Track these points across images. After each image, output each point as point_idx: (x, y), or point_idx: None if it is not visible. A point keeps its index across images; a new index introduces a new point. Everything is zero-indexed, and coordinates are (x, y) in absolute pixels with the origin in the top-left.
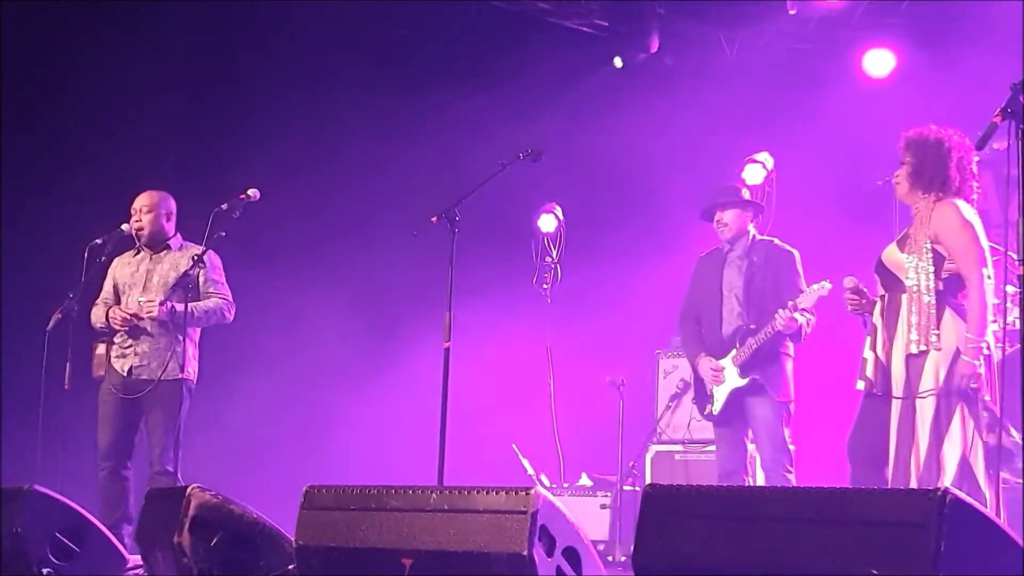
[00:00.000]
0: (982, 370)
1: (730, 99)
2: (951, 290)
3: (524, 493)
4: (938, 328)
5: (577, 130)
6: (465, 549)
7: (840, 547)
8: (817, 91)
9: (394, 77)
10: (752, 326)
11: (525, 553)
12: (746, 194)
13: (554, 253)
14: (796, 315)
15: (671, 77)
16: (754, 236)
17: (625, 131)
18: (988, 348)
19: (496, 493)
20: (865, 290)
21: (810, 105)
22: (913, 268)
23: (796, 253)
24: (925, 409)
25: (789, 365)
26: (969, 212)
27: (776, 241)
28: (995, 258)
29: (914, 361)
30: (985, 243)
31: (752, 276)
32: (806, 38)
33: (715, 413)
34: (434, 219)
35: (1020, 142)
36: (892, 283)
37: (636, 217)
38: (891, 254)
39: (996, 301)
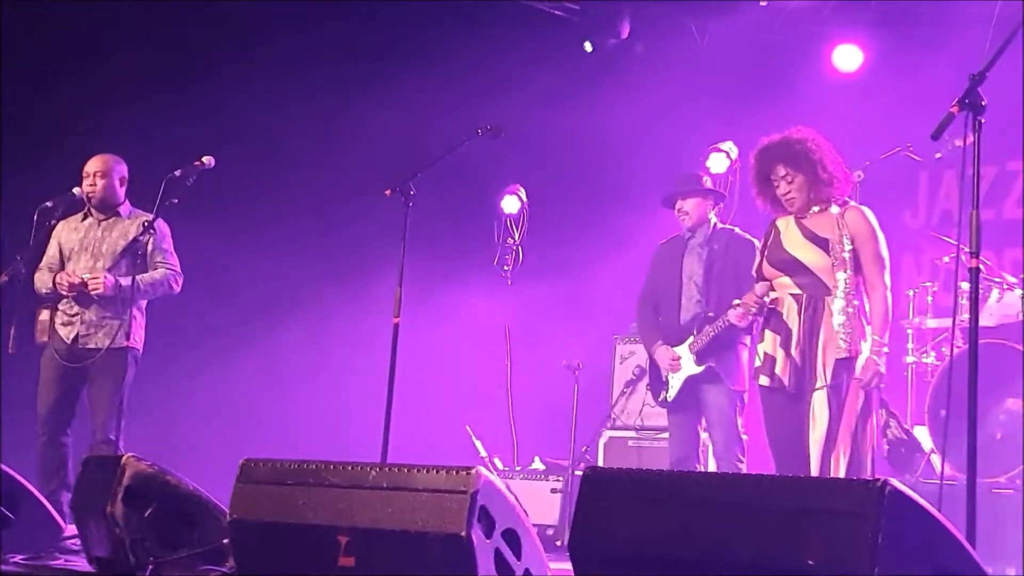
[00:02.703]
0: (883, 370)
1: (698, 88)
2: (858, 293)
3: (464, 473)
4: (860, 336)
5: (544, 113)
6: (403, 528)
7: (777, 535)
8: (785, 83)
9: (357, 48)
10: (710, 314)
11: (463, 534)
12: (708, 183)
13: (516, 235)
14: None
15: (641, 63)
16: (715, 224)
17: (592, 116)
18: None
19: (436, 472)
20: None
21: (778, 97)
22: (840, 272)
23: (757, 242)
24: (849, 409)
25: (745, 354)
26: (875, 220)
27: (737, 230)
28: (952, 255)
29: (842, 364)
30: (887, 254)
31: (712, 264)
32: (776, 30)
33: (669, 400)
34: (388, 192)
35: (977, 134)
36: (812, 284)
37: (599, 202)
38: (810, 256)
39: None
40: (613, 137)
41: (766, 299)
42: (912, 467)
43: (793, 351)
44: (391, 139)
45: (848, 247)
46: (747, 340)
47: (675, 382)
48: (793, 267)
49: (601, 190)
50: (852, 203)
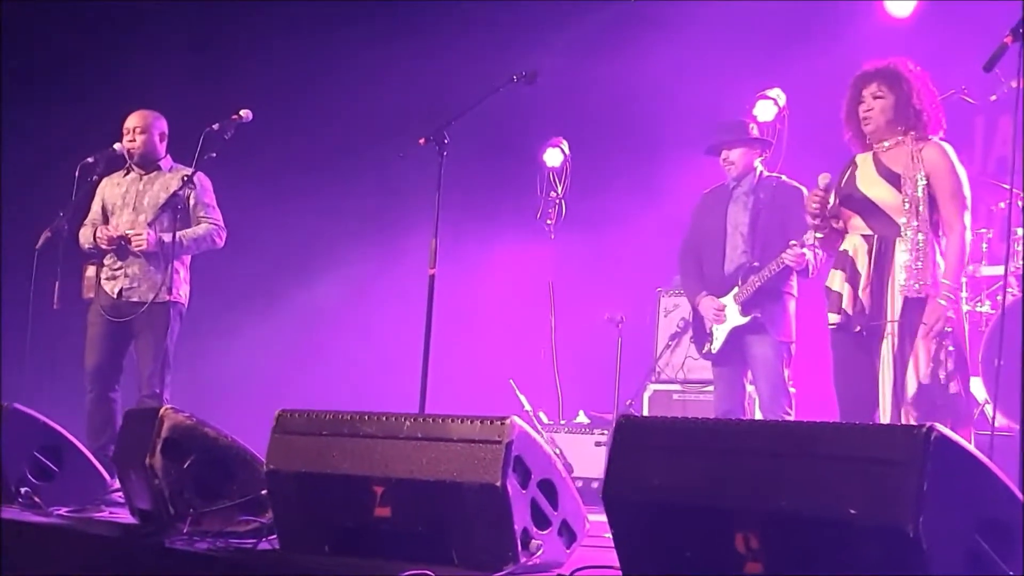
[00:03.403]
0: (951, 314)
1: (744, 35)
2: (936, 233)
3: (499, 423)
4: (932, 276)
5: (585, 63)
6: (438, 478)
7: (816, 484)
8: (835, 29)
9: (392, 2)
10: (755, 263)
11: (498, 484)
12: (754, 130)
13: (559, 188)
14: (805, 250)
15: (685, 10)
16: (761, 173)
17: (635, 65)
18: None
19: (471, 422)
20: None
21: (827, 43)
22: (910, 210)
23: (805, 189)
24: (919, 355)
25: (792, 304)
26: (956, 157)
27: (784, 178)
28: (1006, 201)
29: (912, 304)
30: (968, 194)
31: (758, 213)
32: None
33: (714, 352)
34: (422, 141)
35: None
36: (882, 222)
37: (642, 153)
38: (881, 193)
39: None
40: (656, 86)
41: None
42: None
43: (861, 294)
44: (426, 88)
45: (922, 183)
46: (794, 290)
47: (719, 334)
48: (863, 206)
49: (643, 141)
50: (934, 139)
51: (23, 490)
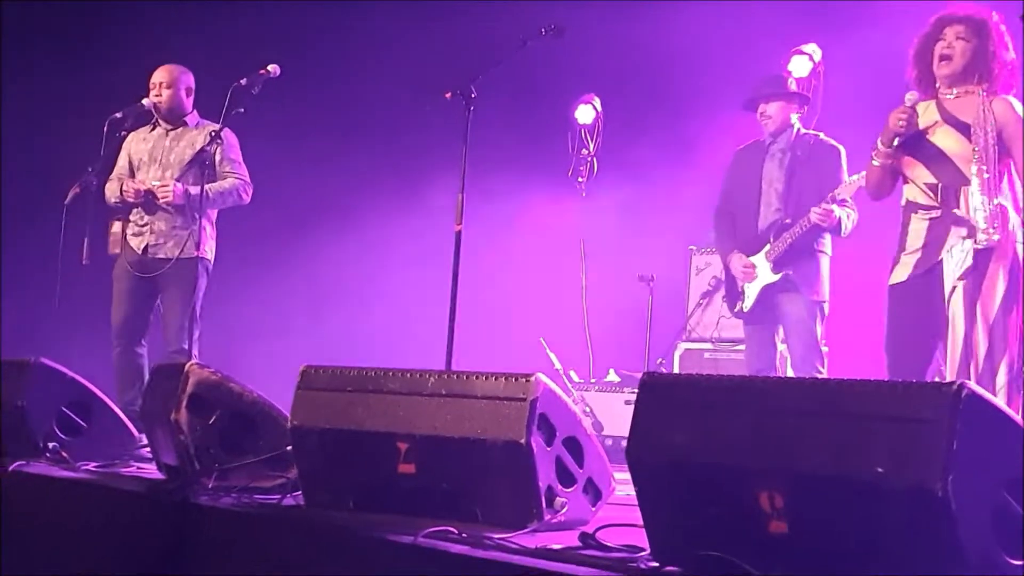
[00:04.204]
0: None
1: None
2: (1001, 183)
3: (524, 380)
4: (1005, 221)
5: (618, 20)
6: (462, 435)
7: (843, 442)
8: None
9: None
10: (788, 220)
11: (523, 441)
12: (792, 85)
13: (591, 145)
14: (835, 207)
15: None
16: (798, 130)
17: (667, 21)
18: None
19: (495, 379)
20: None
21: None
22: (981, 160)
23: (842, 149)
24: (987, 305)
25: (825, 262)
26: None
27: (822, 136)
28: None
29: (982, 255)
30: None
31: (794, 170)
32: None
33: (745, 310)
34: (448, 95)
35: None
36: (949, 171)
37: (674, 110)
38: (952, 142)
39: None
40: (689, 42)
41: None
42: None
43: (926, 245)
44: (453, 42)
45: (993, 133)
46: (828, 248)
47: (751, 292)
48: (929, 153)
49: (676, 97)
50: (1004, 95)
51: (51, 445)
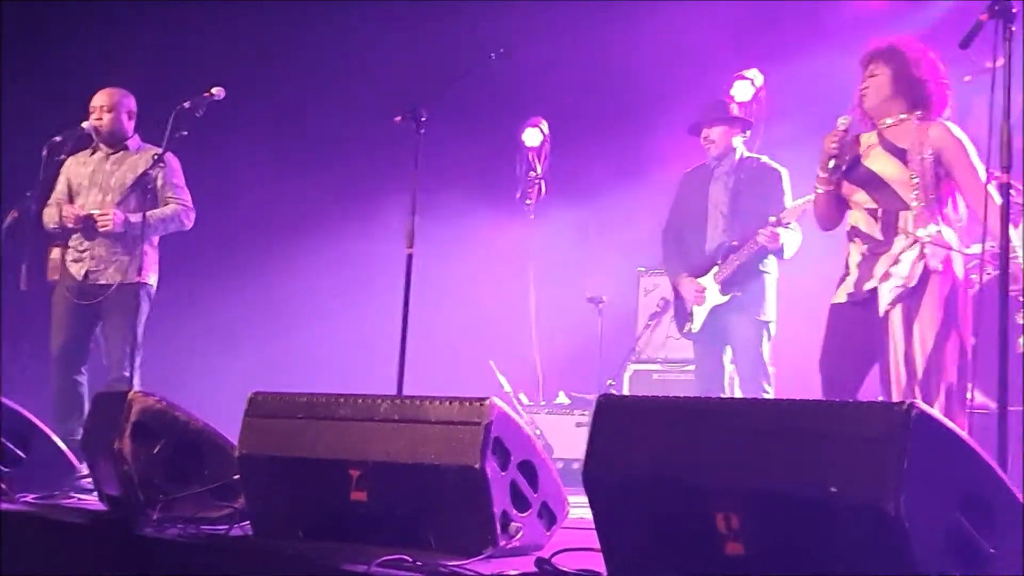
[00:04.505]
0: (960, 272)
1: (722, 15)
2: (943, 208)
3: (478, 404)
4: (944, 247)
5: (565, 45)
6: (415, 461)
7: (797, 462)
8: (813, 10)
9: None
10: (735, 243)
11: (477, 466)
12: (735, 110)
13: (538, 168)
14: (779, 230)
15: None
16: (742, 153)
17: (614, 46)
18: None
19: (449, 403)
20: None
21: (803, 24)
22: (919, 186)
23: (784, 171)
24: (925, 328)
25: (771, 283)
26: (960, 131)
27: (764, 159)
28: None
29: (921, 279)
30: (980, 162)
31: (739, 193)
32: None
33: (694, 331)
34: (398, 119)
35: (1008, 43)
36: (888, 197)
37: (622, 133)
38: (887, 167)
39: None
40: (634, 67)
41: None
42: None
43: (865, 269)
44: (402, 66)
45: (930, 158)
46: (774, 270)
47: (700, 312)
48: (868, 180)
49: (623, 121)
50: (940, 119)
51: None
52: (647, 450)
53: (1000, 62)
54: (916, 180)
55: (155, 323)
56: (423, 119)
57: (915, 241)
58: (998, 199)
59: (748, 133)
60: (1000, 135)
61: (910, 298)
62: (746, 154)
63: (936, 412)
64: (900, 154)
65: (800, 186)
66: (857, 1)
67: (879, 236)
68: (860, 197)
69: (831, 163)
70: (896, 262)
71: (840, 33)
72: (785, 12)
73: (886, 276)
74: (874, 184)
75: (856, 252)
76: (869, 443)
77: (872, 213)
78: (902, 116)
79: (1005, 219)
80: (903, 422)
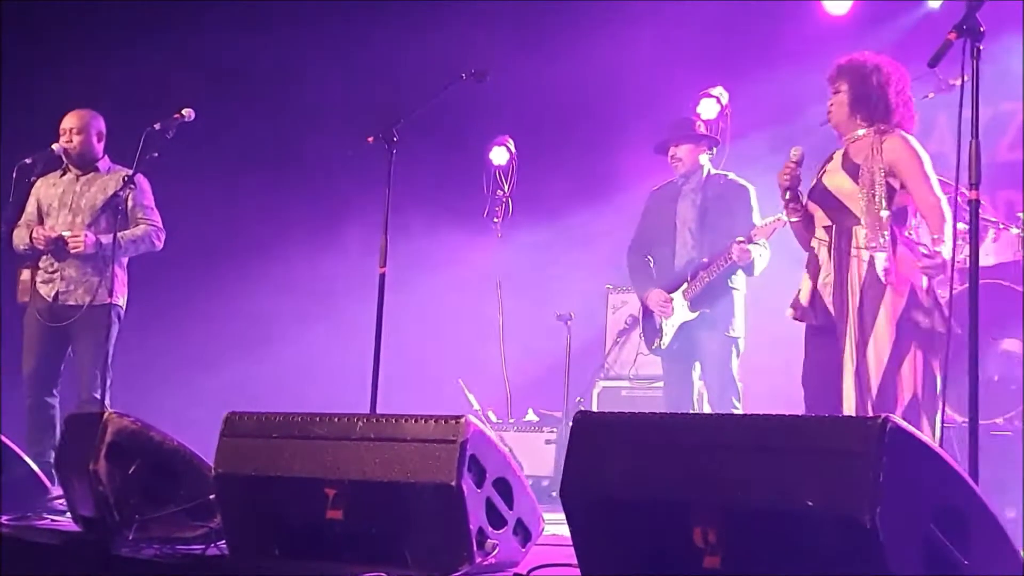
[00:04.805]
0: (924, 283)
1: (687, 34)
2: (899, 222)
3: (454, 422)
4: (894, 264)
5: (532, 64)
6: (391, 479)
7: (774, 476)
8: (775, 29)
9: None
10: (704, 259)
11: (454, 484)
12: (701, 127)
13: (505, 187)
14: (751, 247)
15: (628, 9)
16: (709, 170)
17: (580, 65)
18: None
19: (424, 421)
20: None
21: (768, 42)
22: (867, 200)
23: (751, 188)
24: (880, 344)
25: (740, 299)
26: (919, 144)
27: (731, 175)
28: (947, 195)
29: (870, 295)
30: (933, 173)
31: (706, 210)
32: None
33: (663, 347)
34: (370, 139)
35: (975, 60)
36: (841, 213)
37: (589, 151)
38: (840, 183)
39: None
40: (602, 85)
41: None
42: None
43: (821, 286)
44: (374, 87)
45: (881, 172)
46: (742, 287)
47: (669, 329)
48: (823, 197)
49: (590, 139)
50: (898, 131)
51: None
52: (624, 466)
53: (959, 80)
54: (864, 194)
55: (124, 344)
56: (395, 139)
57: (863, 259)
58: (948, 213)
59: (715, 150)
60: (969, 152)
61: (863, 315)
62: (713, 171)
63: (910, 426)
64: (854, 170)
65: (767, 202)
66: (821, 17)
67: (832, 255)
68: (819, 215)
69: (786, 195)
70: (846, 279)
71: (804, 49)
72: (749, 29)
73: (837, 293)
74: (828, 201)
75: (804, 273)
76: (844, 457)
77: (827, 230)
78: (861, 132)
79: (975, 235)
80: (878, 436)
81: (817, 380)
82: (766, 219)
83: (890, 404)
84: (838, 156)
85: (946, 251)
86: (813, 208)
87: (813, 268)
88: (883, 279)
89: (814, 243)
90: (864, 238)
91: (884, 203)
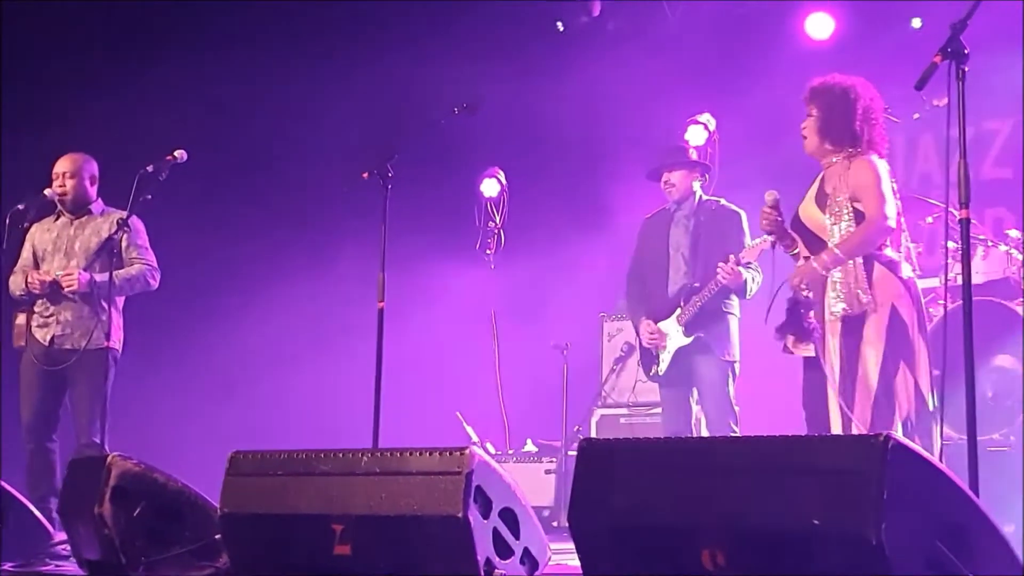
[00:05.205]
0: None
1: (672, 62)
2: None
3: (459, 453)
4: (870, 287)
5: (520, 95)
6: (398, 513)
7: (779, 497)
8: (759, 54)
9: (330, 31)
10: (697, 284)
11: (460, 515)
12: (693, 155)
13: (497, 218)
14: (740, 268)
15: (613, 41)
16: (700, 196)
17: (568, 96)
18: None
19: (430, 454)
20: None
21: (752, 68)
22: (836, 230)
23: (743, 213)
24: (868, 369)
25: (734, 323)
26: (884, 168)
27: (723, 201)
28: (935, 215)
29: (848, 323)
30: (892, 197)
31: (699, 235)
32: (747, 2)
33: (661, 374)
34: (365, 175)
35: (961, 83)
36: (815, 243)
37: (579, 181)
38: (812, 214)
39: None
40: (590, 116)
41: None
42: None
43: (807, 316)
44: (367, 123)
45: (845, 198)
46: (736, 309)
47: (666, 355)
48: (799, 227)
49: (580, 169)
50: (865, 155)
51: None
52: (631, 492)
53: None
54: (831, 224)
55: (121, 385)
56: (390, 175)
57: (834, 286)
58: (875, 239)
59: (707, 177)
60: (958, 172)
61: (844, 340)
62: (704, 197)
63: (912, 443)
64: (823, 199)
65: (756, 226)
66: (803, 40)
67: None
68: (801, 245)
69: (771, 239)
70: (824, 309)
71: (788, 73)
72: (734, 55)
73: (826, 319)
74: (803, 232)
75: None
76: (848, 475)
77: (807, 260)
78: (834, 159)
79: (966, 254)
80: (880, 454)
81: (811, 404)
82: (754, 241)
83: (877, 426)
84: (816, 183)
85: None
86: (796, 239)
87: (801, 300)
88: (861, 303)
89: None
90: (838, 269)
91: (854, 226)
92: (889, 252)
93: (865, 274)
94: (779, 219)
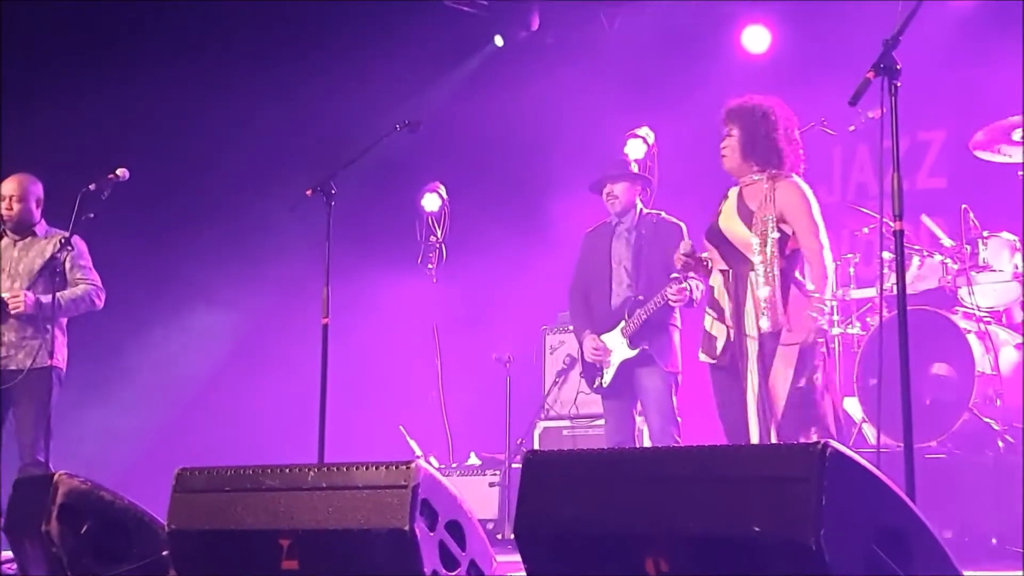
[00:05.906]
0: (824, 326)
1: (611, 75)
2: (792, 266)
3: (405, 467)
4: (786, 307)
5: (460, 109)
6: (345, 527)
7: (721, 505)
8: (697, 67)
9: (271, 48)
10: (640, 297)
11: (406, 528)
12: (634, 167)
13: (439, 232)
14: (686, 284)
15: (553, 54)
16: (641, 210)
17: (508, 109)
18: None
19: (376, 468)
20: (700, 256)
21: (690, 81)
22: (760, 247)
23: (683, 226)
24: (779, 387)
25: (676, 336)
26: (809, 191)
27: (663, 214)
28: (871, 226)
29: (768, 339)
30: (822, 221)
31: (640, 248)
32: (686, 14)
33: (604, 386)
34: (309, 192)
35: (893, 97)
36: (736, 258)
37: (520, 194)
38: (736, 230)
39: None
40: (530, 129)
41: (701, 259)
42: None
43: (726, 327)
44: (309, 139)
45: (772, 219)
46: (678, 322)
47: (609, 368)
48: (720, 241)
49: (521, 182)
50: (792, 177)
51: None
52: (576, 502)
53: (878, 112)
54: (757, 242)
55: (65, 404)
56: (333, 191)
57: (762, 305)
58: (829, 260)
59: (648, 190)
60: (891, 184)
61: (761, 359)
62: (645, 210)
63: (849, 451)
64: (748, 216)
65: (698, 238)
66: (740, 55)
67: (731, 299)
68: (715, 256)
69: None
70: (743, 322)
71: (725, 86)
72: (673, 69)
73: (737, 336)
74: (724, 245)
75: (707, 315)
76: (788, 483)
77: (724, 274)
78: (755, 177)
79: (900, 265)
80: (819, 461)
81: (731, 418)
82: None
83: (794, 433)
84: (733, 196)
85: (827, 295)
86: (710, 249)
87: (718, 312)
88: (778, 322)
89: (715, 286)
90: (759, 283)
91: (776, 250)
92: (797, 274)
93: (782, 294)
94: (693, 262)
